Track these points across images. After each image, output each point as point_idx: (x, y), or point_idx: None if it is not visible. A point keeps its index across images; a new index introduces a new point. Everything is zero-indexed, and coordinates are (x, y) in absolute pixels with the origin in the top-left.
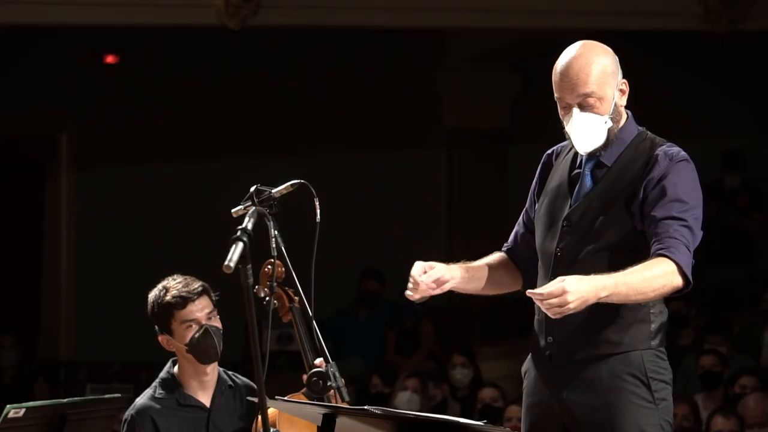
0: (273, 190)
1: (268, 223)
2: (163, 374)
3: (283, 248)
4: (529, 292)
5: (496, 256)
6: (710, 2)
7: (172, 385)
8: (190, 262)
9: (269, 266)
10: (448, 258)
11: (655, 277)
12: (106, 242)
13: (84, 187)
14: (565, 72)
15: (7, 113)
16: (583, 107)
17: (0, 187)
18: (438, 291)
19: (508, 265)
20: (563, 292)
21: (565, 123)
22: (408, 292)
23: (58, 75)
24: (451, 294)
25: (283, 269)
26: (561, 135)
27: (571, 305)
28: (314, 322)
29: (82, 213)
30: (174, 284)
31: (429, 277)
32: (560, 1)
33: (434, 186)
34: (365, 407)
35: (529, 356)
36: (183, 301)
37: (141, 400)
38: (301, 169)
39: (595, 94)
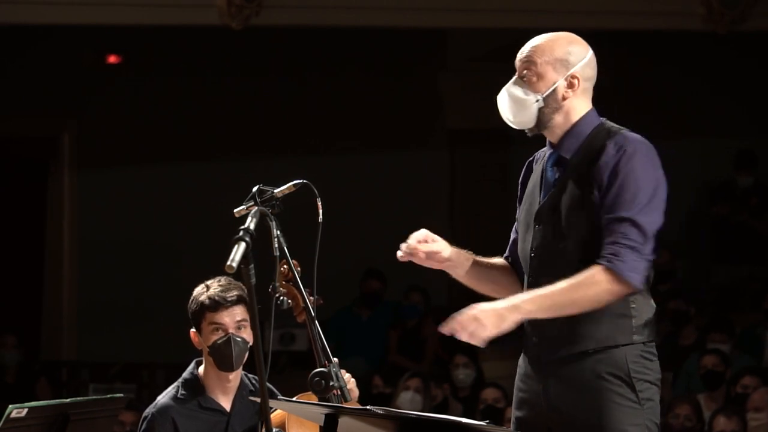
0: (275, 190)
1: (270, 223)
2: (186, 375)
3: (285, 248)
4: (440, 329)
5: (500, 260)
6: (713, 2)
7: (195, 386)
8: (192, 262)
9: (285, 266)
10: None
11: (587, 286)
12: (108, 242)
13: (86, 187)
14: (528, 42)
15: (10, 112)
16: (520, 78)
17: (2, 186)
18: (428, 263)
19: (508, 271)
20: (473, 318)
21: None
22: (399, 252)
23: (60, 75)
24: (452, 294)
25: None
26: None
27: (486, 322)
28: (316, 322)
29: (84, 213)
30: (215, 285)
31: (426, 247)
32: (563, 1)
33: (436, 186)
34: (368, 407)
35: (522, 353)
36: (215, 304)
37: (163, 399)
38: (303, 169)
39: (533, 68)
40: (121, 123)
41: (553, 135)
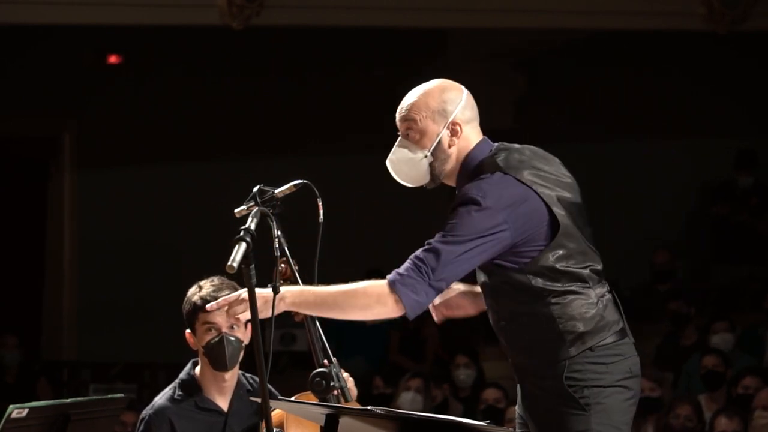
0: (276, 190)
1: (270, 223)
2: (183, 375)
3: (286, 248)
4: (208, 306)
5: None
6: (713, 2)
7: (192, 387)
8: (192, 262)
9: (283, 265)
10: None
11: (360, 295)
12: (108, 242)
13: (86, 187)
14: (403, 101)
15: (10, 112)
16: (405, 138)
17: (2, 186)
18: (456, 315)
19: None
20: (241, 299)
21: None
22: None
23: (60, 75)
24: None
25: (289, 269)
26: (564, 135)
27: (242, 299)
28: (317, 322)
29: (85, 213)
30: (207, 285)
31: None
32: (563, 1)
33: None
34: (368, 407)
35: None
36: (207, 304)
37: (160, 400)
38: (303, 169)
39: (414, 126)
40: (122, 123)
41: (451, 181)
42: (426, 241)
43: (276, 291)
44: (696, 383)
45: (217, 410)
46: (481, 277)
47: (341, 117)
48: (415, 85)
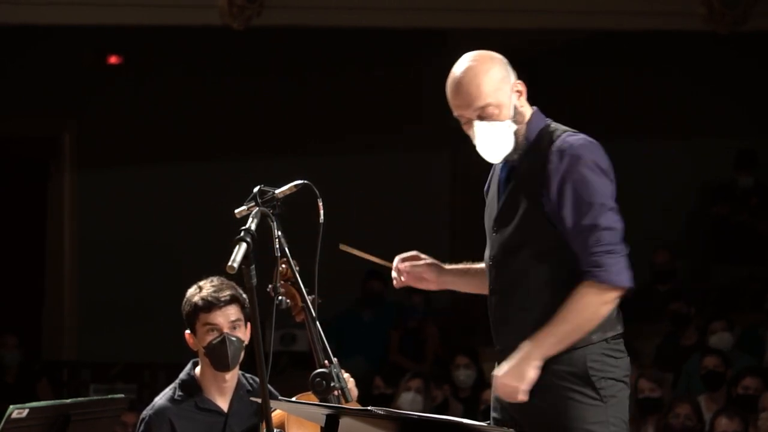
0: (276, 191)
1: (271, 223)
2: (183, 375)
3: (286, 249)
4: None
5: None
6: (713, 3)
7: (192, 387)
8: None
9: (283, 265)
10: (450, 257)
11: (581, 309)
12: (109, 242)
13: (86, 187)
14: (457, 89)
15: (10, 112)
16: (483, 118)
17: (2, 186)
18: (423, 285)
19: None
20: (499, 384)
21: (471, 137)
22: (394, 282)
23: (61, 75)
24: (454, 294)
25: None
26: None
27: (513, 383)
28: (318, 323)
29: (85, 213)
30: (208, 286)
31: (410, 266)
32: (563, 1)
33: (437, 186)
34: (369, 408)
35: None
36: (209, 305)
37: (160, 400)
38: (303, 170)
39: (491, 104)
40: (122, 123)
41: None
42: (582, 224)
43: (276, 291)
44: (696, 383)
45: (217, 410)
46: (513, 244)
47: (341, 117)
48: (418, 86)
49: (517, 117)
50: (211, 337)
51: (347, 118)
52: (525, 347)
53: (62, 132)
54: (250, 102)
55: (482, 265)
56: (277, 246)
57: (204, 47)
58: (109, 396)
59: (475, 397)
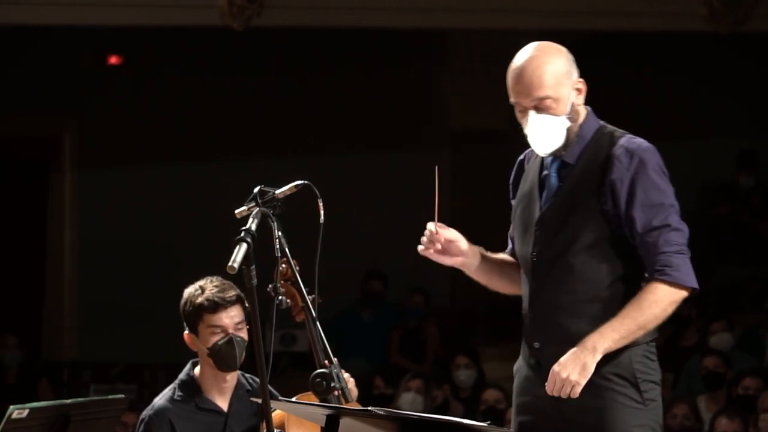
0: (276, 191)
1: (271, 224)
2: (182, 376)
3: (287, 249)
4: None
5: (506, 255)
6: (714, 3)
7: (192, 387)
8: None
9: (283, 265)
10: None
11: (651, 306)
12: (109, 242)
13: (87, 187)
14: (519, 76)
15: (10, 113)
16: (540, 109)
17: (3, 186)
18: (445, 259)
19: (517, 266)
20: (556, 375)
21: (523, 126)
22: (420, 246)
23: (61, 75)
24: (454, 295)
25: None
26: None
27: (572, 377)
28: (318, 323)
29: (85, 213)
30: (210, 287)
31: (447, 233)
32: (563, 1)
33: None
34: (369, 408)
35: (521, 356)
36: (215, 306)
37: (159, 401)
38: (304, 170)
39: (550, 96)
40: (122, 123)
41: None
42: (652, 225)
43: (276, 291)
44: (696, 384)
45: (217, 411)
46: (564, 241)
47: (341, 117)
48: (418, 86)
49: (572, 114)
50: (216, 338)
51: (347, 118)
52: (588, 341)
53: (62, 132)
54: (250, 102)
55: (507, 256)
56: (278, 246)
57: (204, 47)
58: (110, 396)
59: (475, 398)
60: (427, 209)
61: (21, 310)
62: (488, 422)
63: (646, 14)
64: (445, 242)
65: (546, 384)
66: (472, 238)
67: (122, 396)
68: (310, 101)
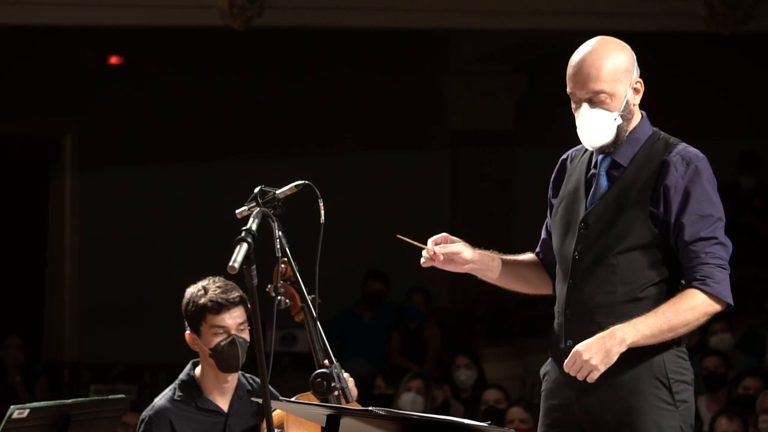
0: (277, 191)
1: (272, 224)
2: (183, 376)
3: (287, 249)
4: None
5: (528, 256)
6: (715, 4)
7: (192, 387)
8: (194, 263)
9: (283, 265)
10: None
11: (686, 311)
12: (110, 243)
13: (88, 188)
14: (578, 67)
15: (11, 113)
16: (594, 103)
17: (4, 187)
18: (451, 267)
19: (538, 267)
20: (578, 355)
21: (576, 117)
22: (422, 259)
23: (62, 76)
24: (455, 295)
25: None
26: (565, 136)
27: (593, 360)
28: (318, 323)
29: (86, 213)
30: (214, 287)
31: (444, 249)
32: (564, 2)
33: (438, 187)
34: (370, 408)
35: (550, 358)
36: (218, 306)
37: (160, 401)
38: (305, 170)
39: (605, 91)
40: (123, 124)
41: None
42: (699, 235)
43: (277, 291)
44: (697, 384)
45: (218, 411)
46: (610, 241)
47: (342, 117)
48: (418, 86)
49: (626, 113)
50: (218, 339)
51: (348, 118)
52: (618, 329)
53: (64, 133)
54: (251, 102)
55: (525, 257)
56: (278, 246)
57: (204, 48)
58: (110, 396)
59: (475, 398)
60: (427, 209)
61: (22, 311)
62: (489, 422)
63: (646, 14)
64: (447, 257)
65: (565, 361)
66: (471, 238)
67: (123, 396)
68: (310, 101)
